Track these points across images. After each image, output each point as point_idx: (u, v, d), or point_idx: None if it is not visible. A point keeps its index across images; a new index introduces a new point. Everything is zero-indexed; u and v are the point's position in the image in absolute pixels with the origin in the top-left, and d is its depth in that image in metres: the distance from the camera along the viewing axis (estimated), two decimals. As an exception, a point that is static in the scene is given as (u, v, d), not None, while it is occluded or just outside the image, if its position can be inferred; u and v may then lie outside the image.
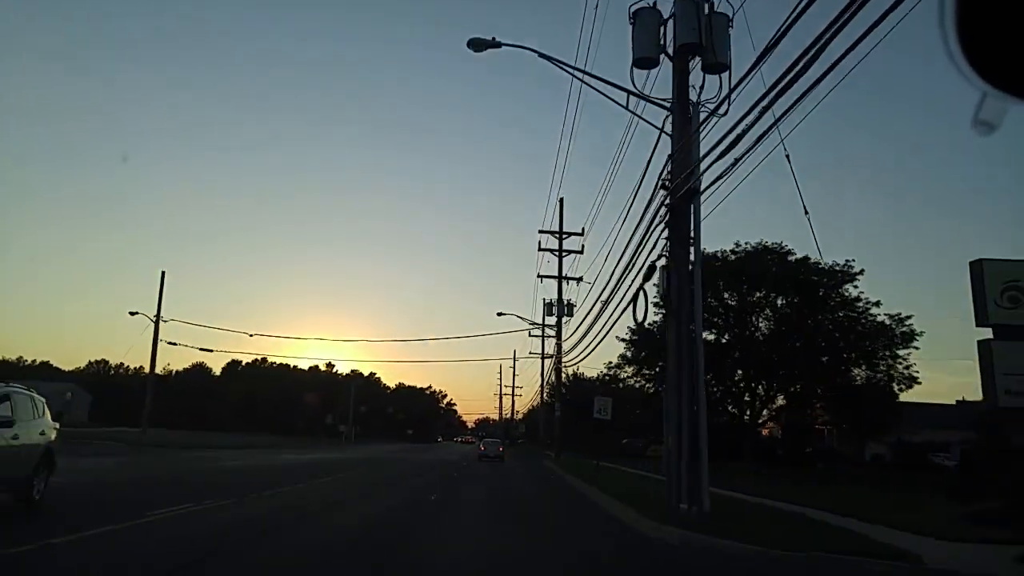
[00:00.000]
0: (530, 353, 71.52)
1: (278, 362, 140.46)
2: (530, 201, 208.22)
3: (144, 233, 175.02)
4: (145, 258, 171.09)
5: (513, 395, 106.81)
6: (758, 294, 43.54)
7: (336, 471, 26.36)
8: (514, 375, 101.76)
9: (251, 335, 57.68)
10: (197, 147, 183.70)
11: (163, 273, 45.89)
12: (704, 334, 44.00)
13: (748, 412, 43.78)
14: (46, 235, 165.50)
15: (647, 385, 46.91)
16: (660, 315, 42.81)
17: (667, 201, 13.81)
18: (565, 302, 46.60)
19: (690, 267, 13.49)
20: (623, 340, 44.83)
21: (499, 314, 50.16)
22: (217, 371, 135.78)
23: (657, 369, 45.40)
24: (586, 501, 18.87)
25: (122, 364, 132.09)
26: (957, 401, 72.64)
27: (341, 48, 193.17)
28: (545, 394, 72.62)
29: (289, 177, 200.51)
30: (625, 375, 47.42)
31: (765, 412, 45.18)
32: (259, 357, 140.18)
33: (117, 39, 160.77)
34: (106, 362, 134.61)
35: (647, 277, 14.78)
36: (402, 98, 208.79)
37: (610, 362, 47.18)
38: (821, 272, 41.87)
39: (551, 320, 52.81)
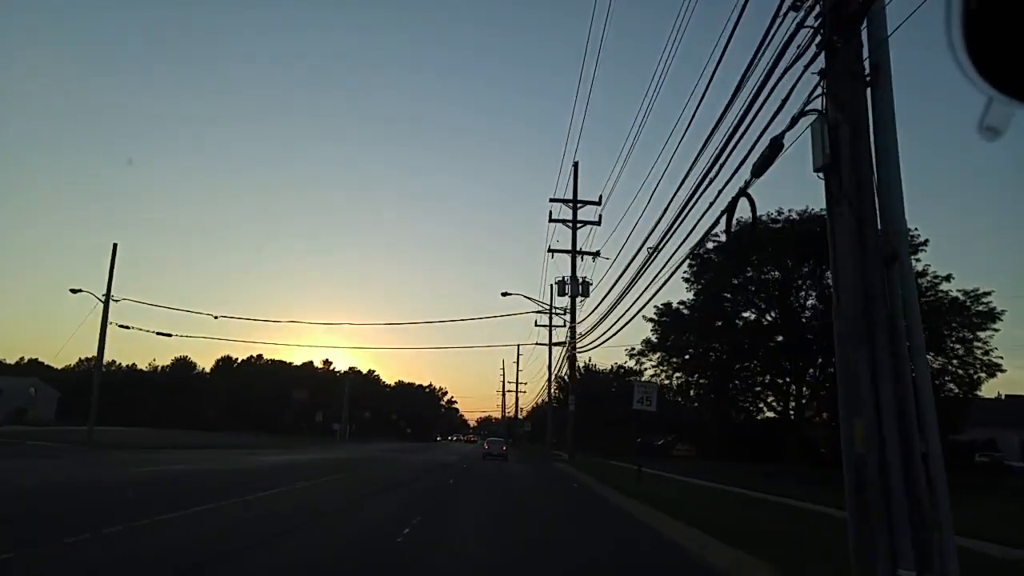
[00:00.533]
0: (536, 344, 65.28)
1: (272, 359, 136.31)
2: (535, 193, 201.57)
3: (142, 228, 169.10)
4: (144, 258, 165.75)
5: (517, 391, 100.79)
6: (805, 268, 37.47)
7: (301, 478, 20.20)
8: (518, 369, 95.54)
9: (216, 317, 51.96)
10: (195, 146, 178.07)
11: (115, 246, 39.86)
12: (744, 313, 38.34)
13: (793, 405, 37.70)
14: (39, 233, 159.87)
15: (675, 375, 40.73)
16: (692, 280, 36.91)
17: (816, 21, 7.70)
18: (580, 280, 40.43)
19: (868, 118, 7.35)
20: (651, 320, 38.62)
21: (504, 294, 44.11)
22: (208, 368, 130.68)
23: (687, 356, 39.41)
24: (660, 539, 11.60)
25: (114, 361, 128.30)
26: (1005, 396, 66.38)
27: (328, 25, 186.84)
28: (553, 388, 66.62)
29: (276, 161, 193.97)
30: (649, 364, 41.24)
31: (815, 404, 39.01)
32: (255, 355, 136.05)
33: (99, 25, 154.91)
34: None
35: (768, 160, 8.67)
36: (392, 83, 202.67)
37: (632, 348, 41.09)
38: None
39: (562, 304, 46.67)
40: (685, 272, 36.36)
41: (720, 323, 37.38)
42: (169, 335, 42.58)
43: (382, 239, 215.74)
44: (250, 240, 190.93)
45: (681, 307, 38.51)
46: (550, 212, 42.02)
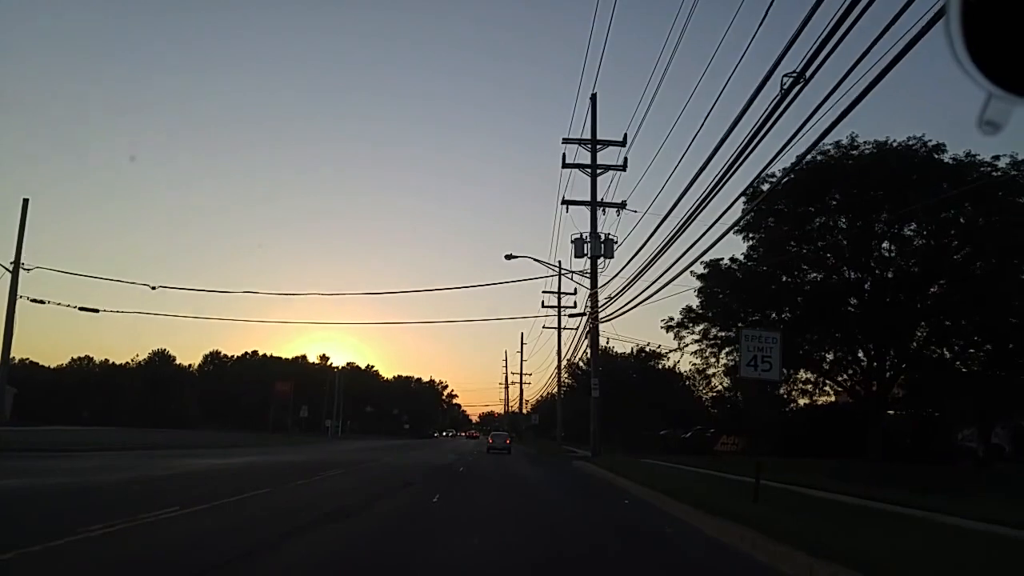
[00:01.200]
0: (544, 327, 57.53)
1: (266, 354, 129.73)
2: (546, 139, 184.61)
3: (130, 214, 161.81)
4: (142, 257, 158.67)
5: (521, 382, 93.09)
6: (885, 215, 29.64)
7: (198, 501, 12.44)
8: (522, 358, 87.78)
9: (154, 288, 41.96)
10: (192, 145, 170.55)
11: (25, 202, 32.14)
12: (812, 273, 30.52)
13: (875, 388, 29.89)
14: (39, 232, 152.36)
15: (723, 352, 32.54)
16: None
17: None
18: (602, 236, 32.66)
19: None
20: (700, 277, 30.66)
21: (508, 257, 36.41)
22: (195, 363, 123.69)
23: (736, 329, 31.54)
24: None
25: (106, 360, 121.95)
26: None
27: None
28: (563, 375, 58.97)
29: (258, 127, 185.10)
30: (691, 338, 33.26)
31: (897, 386, 31.14)
32: (249, 351, 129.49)
33: None
34: (90, 359, 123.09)
35: None
36: (375, 26, 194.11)
37: (670, 318, 33.17)
38: (986, 177, 27.94)
39: (579, 267, 38.87)
40: (737, 228, 28.57)
41: (787, 280, 29.57)
42: (96, 311, 34.82)
43: (371, 209, 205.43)
44: (229, 210, 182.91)
45: (733, 265, 30.70)
46: (563, 155, 34.24)
